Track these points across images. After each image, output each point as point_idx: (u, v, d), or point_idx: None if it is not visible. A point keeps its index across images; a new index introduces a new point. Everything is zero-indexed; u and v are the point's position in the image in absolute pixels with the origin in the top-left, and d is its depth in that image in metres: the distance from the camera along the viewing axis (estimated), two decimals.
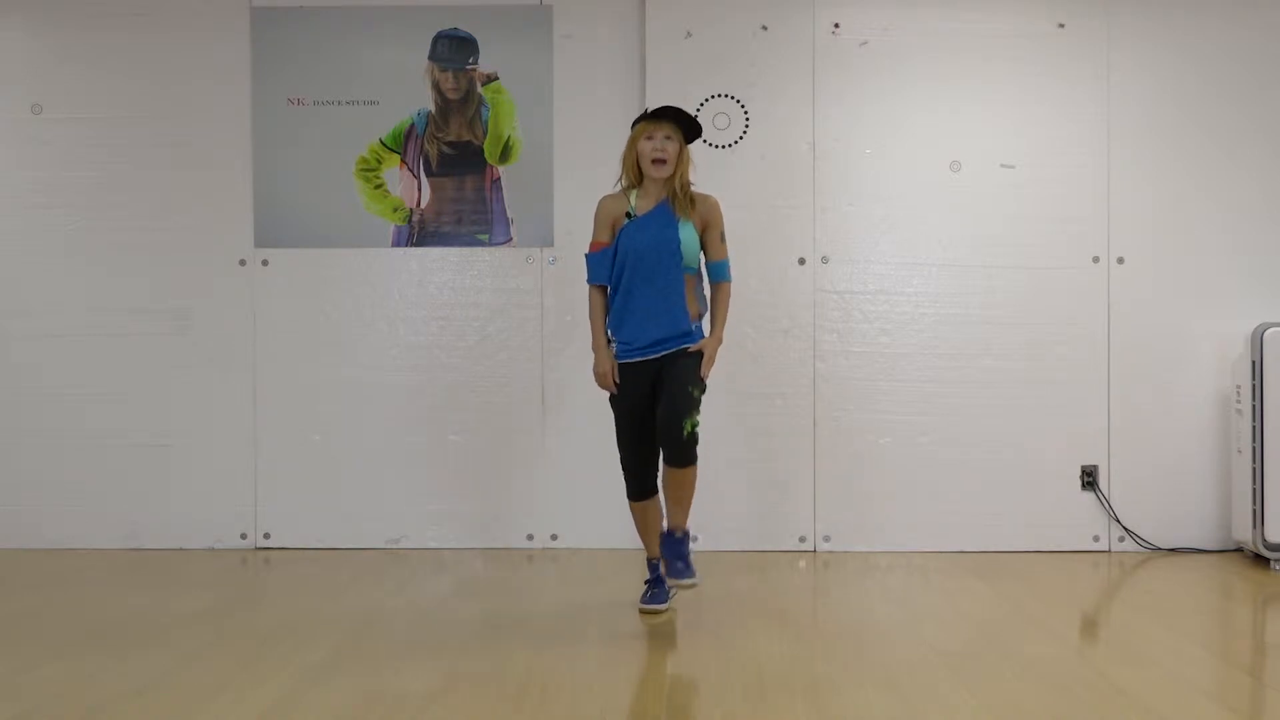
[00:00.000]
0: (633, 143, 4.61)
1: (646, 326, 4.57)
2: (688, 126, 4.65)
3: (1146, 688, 3.77)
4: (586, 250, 4.74)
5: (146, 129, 6.07)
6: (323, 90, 6.06)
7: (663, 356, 4.59)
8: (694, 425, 4.52)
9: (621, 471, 4.77)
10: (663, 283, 4.56)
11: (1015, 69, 5.97)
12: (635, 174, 4.62)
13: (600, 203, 4.68)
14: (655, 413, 4.60)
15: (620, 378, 4.65)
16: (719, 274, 4.72)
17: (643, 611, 4.73)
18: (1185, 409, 5.95)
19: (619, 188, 4.70)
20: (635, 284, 4.57)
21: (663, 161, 4.55)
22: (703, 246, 4.67)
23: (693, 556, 4.65)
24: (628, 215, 4.61)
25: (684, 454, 4.52)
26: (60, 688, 3.80)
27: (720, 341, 4.68)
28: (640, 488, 4.75)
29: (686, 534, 4.63)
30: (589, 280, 4.70)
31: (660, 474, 4.71)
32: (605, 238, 4.64)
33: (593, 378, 4.71)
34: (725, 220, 4.77)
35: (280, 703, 3.62)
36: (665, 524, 4.70)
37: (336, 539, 6.04)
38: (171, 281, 6.07)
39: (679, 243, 4.56)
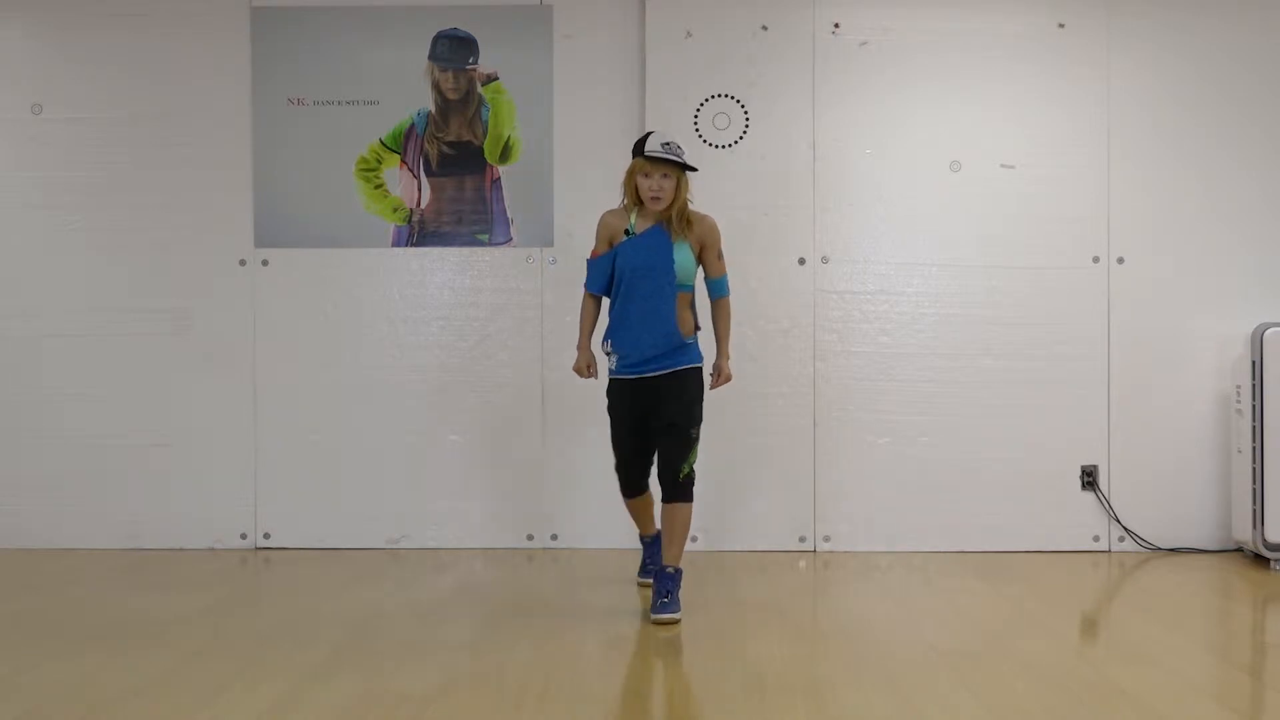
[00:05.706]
0: (631, 174, 4.71)
1: (640, 337, 4.70)
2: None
3: (1146, 688, 3.77)
4: (588, 256, 4.89)
5: (146, 129, 6.06)
6: (323, 90, 6.06)
7: (659, 376, 4.73)
8: (691, 466, 4.72)
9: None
10: (656, 299, 4.69)
11: (1015, 69, 5.97)
12: (635, 198, 4.73)
13: (602, 217, 4.84)
14: (651, 425, 4.74)
15: (617, 392, 4.81)
16: (718, 290, 4.87)
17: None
18: (1185, 409, 5.95)
19: (622, 204, 4.80)
20: (631, 298, 4.72)
21: (658, 199, 4.68)
22: (701, 264, 4.82)
23: (686, 568, 4.77)
24: (626, 232, 4.75)
25: (680, 492, 4.71)
26: (60, 688, 3.80)
27: (729, 358, 4.91)
28: (633, 490, 4.99)
29: (679, 571, 4.70)
30: (586, 285, 4.88)
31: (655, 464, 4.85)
32: (604, 250, 4.81)
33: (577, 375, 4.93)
34: (725, 221, 4.95)
35: (280, 703, 3.62)
36: (661, 557, 4.78)
37: (336, 539, 6.03)
38: (171, 281, 6.06)
39: (673, 261, 4.69)
